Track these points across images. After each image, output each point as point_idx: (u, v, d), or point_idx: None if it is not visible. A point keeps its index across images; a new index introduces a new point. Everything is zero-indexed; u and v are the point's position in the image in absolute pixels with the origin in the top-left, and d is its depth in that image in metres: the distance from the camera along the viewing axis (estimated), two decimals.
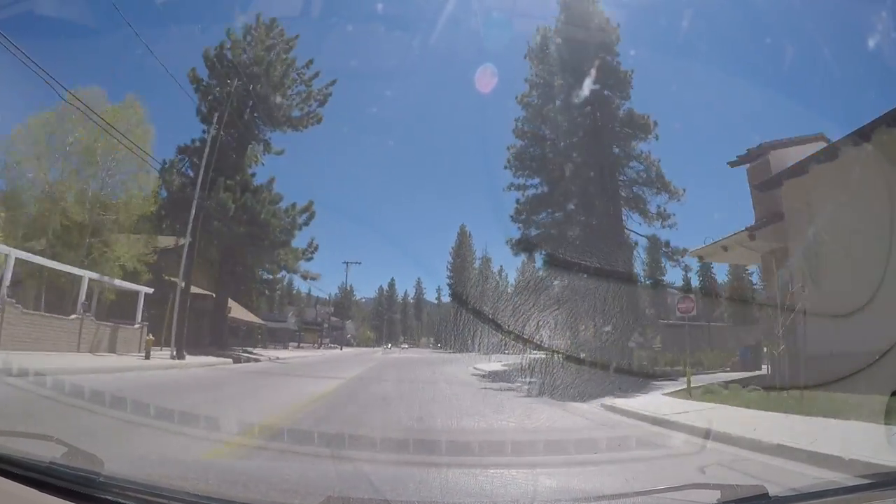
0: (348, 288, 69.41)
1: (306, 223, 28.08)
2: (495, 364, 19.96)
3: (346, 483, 2.46)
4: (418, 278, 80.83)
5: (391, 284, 78.74)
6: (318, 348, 45.84)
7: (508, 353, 17.97)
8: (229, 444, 4.96)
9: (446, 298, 70.25)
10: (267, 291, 46.68)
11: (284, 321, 50.49)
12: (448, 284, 63.10)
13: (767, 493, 1.85)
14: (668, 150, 43.11)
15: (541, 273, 21.38)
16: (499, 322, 15.17)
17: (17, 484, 1.79)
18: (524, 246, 24.58)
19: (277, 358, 25.26)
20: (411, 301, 79.85)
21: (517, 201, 25.24)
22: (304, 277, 30.89)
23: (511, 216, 25.32)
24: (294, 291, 69.33)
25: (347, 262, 49.61)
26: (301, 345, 44.69)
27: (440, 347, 57.41)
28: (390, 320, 75.96)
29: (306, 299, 65.97)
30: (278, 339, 44.67)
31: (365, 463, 4.20)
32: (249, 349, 29.05)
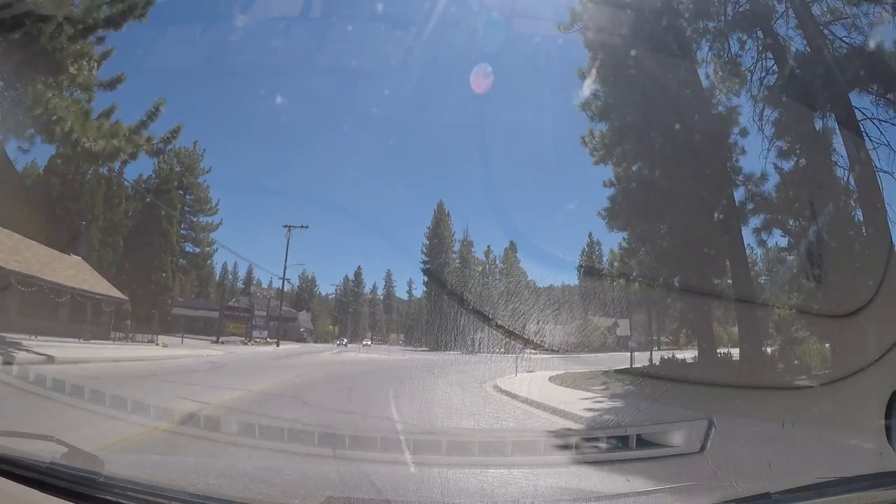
0: (299, 270, 58.60)
1: (131, 14, 13.80)
2: (548, 382, 12.79)
3: (347, 483, 2.46)
4: (388, 271, 74.02)
5: (357, 273, 68.29)
6: (247, 343, 35.69)
7: (502, 352, 13.90)
8: None
9: (418, 293, 62.94)
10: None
11: (217, 309, 40.96)
12: (423, 270, 53.37)
13: (769, 493, 1.85)
14: None
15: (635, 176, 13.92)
16: (498, 313, 13.02)
17: (17, 484, 1.80)
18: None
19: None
20: (381, 296, 73.93)
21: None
22: (150, 152, 16.44)
23: (581, 72, 15.76)
24: (255, 281, 61.64)
25: (289, 226, 37.74)
26: (221, 340, 33.03)
27: (413, 345, 51.72)
28: (356, 313, 66.91)
29: (267, 291, 57.62)
30: (196, 329, 34.83)
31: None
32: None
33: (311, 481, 2.59)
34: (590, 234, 44.61)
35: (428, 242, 51.89)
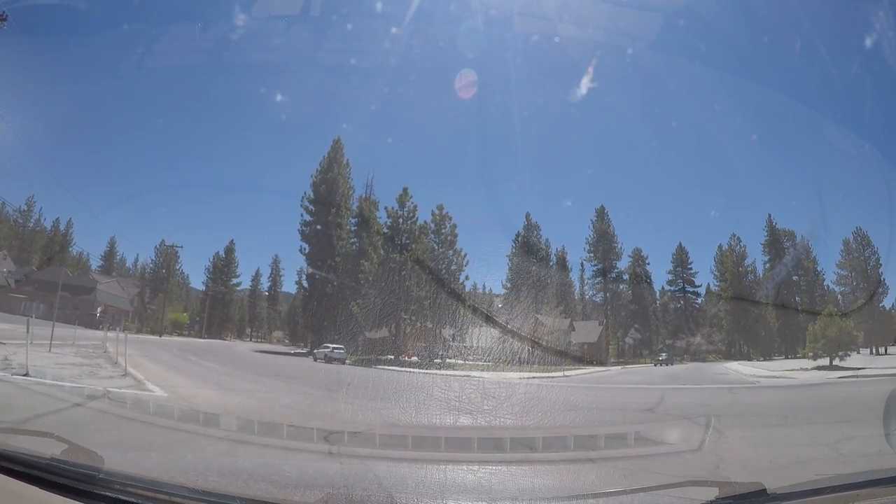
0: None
1: None
2: None
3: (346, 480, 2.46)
4: (275, 256, 49.83)
5: (229, 250, 45.51)
6: None
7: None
8: None
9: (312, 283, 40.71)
10: None
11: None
12: (303, 231, 32.91)
13: (765, 490, 1.85)
14: None
15: None
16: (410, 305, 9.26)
17: (18, 482, 1.79)
18: None
19: None
20: (265, 288, 49.44)
21: None
22: None
23: None
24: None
25: None
26: None
27: (297, 344, 37.15)
28: (223, 300, 52.06)
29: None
30: None
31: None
32: None
33: (310, 477, 2.58)
34: (527, 215, 35.48)
35: (313, 194, 34.35)
